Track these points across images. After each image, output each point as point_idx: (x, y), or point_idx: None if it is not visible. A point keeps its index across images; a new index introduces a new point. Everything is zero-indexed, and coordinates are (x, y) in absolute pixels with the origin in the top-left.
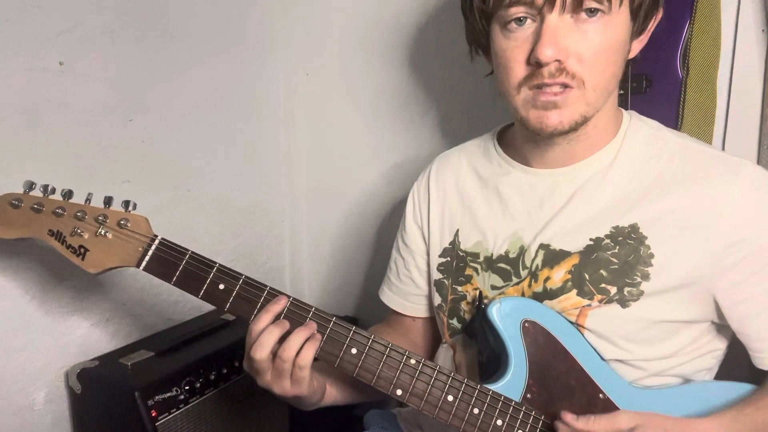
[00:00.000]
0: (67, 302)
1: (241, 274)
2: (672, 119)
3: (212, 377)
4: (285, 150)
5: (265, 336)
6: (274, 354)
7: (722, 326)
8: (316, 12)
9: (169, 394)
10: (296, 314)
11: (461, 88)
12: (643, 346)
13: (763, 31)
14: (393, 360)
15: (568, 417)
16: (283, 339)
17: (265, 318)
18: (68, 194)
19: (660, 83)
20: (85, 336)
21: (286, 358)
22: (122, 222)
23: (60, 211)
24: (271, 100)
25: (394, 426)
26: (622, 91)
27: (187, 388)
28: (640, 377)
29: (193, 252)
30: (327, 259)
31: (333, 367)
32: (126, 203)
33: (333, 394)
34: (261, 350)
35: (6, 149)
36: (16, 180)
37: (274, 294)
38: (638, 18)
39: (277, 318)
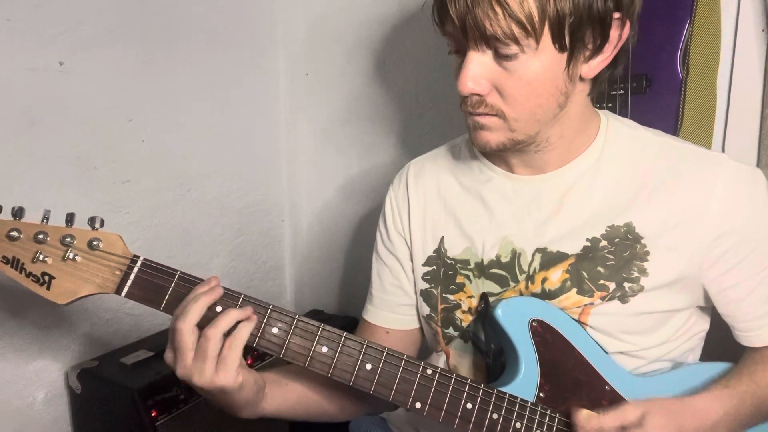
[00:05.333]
0: None
1: (240, 293)
2: (672, 119)
3: None
4: (285, 150)
5: (192, 304)
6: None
7: (705, 308)
8: (316, 12)
9: (169, 394)
10: (305, 331)
11: None
12: (641, 337)
13: (763, 30)
14: (409, 372)
15: (580, 418)
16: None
17: (199, 289)
18: (19, 212)
19: (660, 83)
20: (85, 336)
21: (211, 336)
22: (93, 242)
23: (15, 233)
24: (271, 100)
25: (385, 431)
26: (621, 91)
27: (187, 388)
28: (640, 365)
29: (182, 272)
30: (327, 259)
31: (348, 385)
32: (91, 220)
33: (285, 400)
34: (185, 319)
35: (6, 149)
36: (17, 180)
37: (277, 312)
38: (573, 48)
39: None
